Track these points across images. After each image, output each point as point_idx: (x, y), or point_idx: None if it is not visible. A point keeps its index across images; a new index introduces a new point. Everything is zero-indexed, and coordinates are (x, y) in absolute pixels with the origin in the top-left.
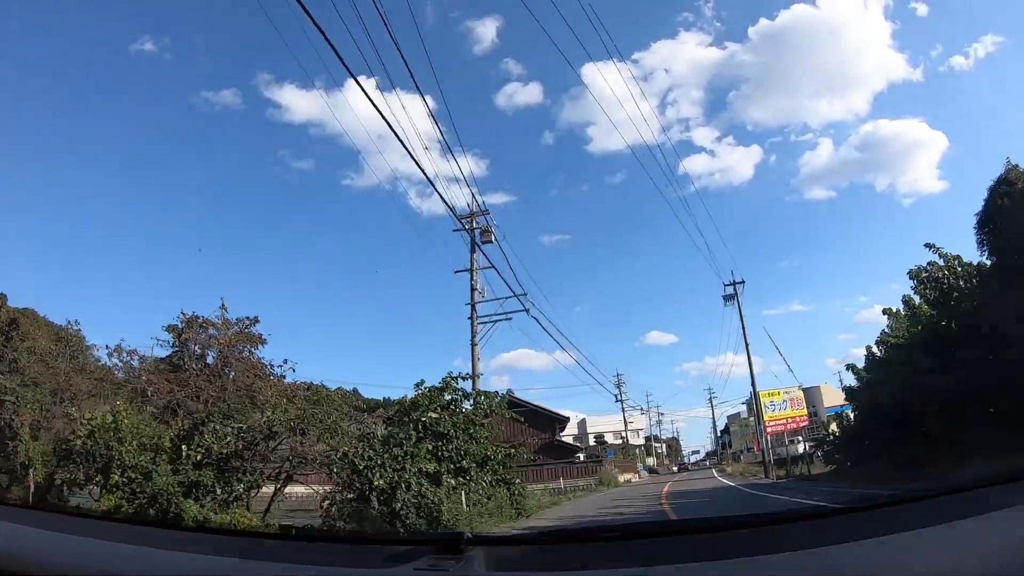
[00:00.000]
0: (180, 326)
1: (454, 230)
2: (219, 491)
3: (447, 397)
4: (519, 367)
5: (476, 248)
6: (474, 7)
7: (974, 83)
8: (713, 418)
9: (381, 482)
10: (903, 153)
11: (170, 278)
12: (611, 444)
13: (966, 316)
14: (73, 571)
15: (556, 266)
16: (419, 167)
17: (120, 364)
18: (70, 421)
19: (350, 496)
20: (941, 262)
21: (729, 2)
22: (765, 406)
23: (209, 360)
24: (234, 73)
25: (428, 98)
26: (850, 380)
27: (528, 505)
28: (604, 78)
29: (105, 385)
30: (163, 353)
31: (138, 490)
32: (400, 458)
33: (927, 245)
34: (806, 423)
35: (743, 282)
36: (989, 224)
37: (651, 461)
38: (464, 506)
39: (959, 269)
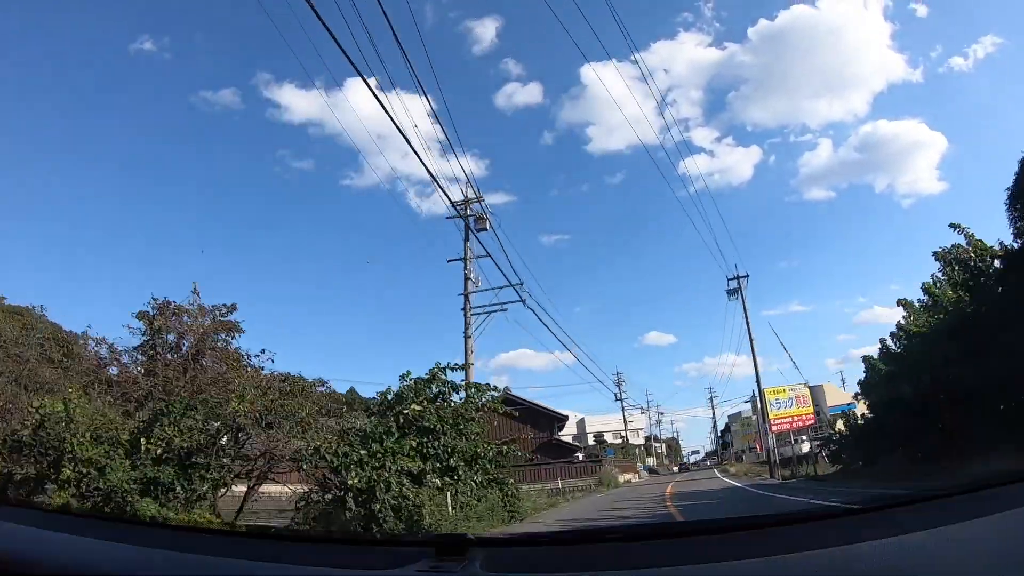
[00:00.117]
0: (151, 312)
1: (447, 217)
2: (179, 489)
3: (435, 389)
4: (518, 367)
5: (470, 235)
6: (473, 7)
7: (974, 84)
8: (714, 418)
9: (356, 481)
10: (902, 154)
11: (171, 277)
12: (611, 444)
13: (997, 299)
14: (72, 571)
15: (556, 266)
16: (407, 141)
17: (92, 353)
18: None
19: (327, 497)
20: (965, 243)
21: (728, 2)
22: (770, 404)
23: (184, 349)
24: (233, 72)
25: (425, 94)
26: (853, 380)
27: (523, 507)
28: (603, 78)
29: (72, 375)
30: (136, 342)
31: (91, 486)
32: (380, 455)
33: (952, 225)
34: (812, 421)
35: (747, 276)
36: (1022, 199)
37: (651, 461)
38: (450, 509)
39: (986, 250)
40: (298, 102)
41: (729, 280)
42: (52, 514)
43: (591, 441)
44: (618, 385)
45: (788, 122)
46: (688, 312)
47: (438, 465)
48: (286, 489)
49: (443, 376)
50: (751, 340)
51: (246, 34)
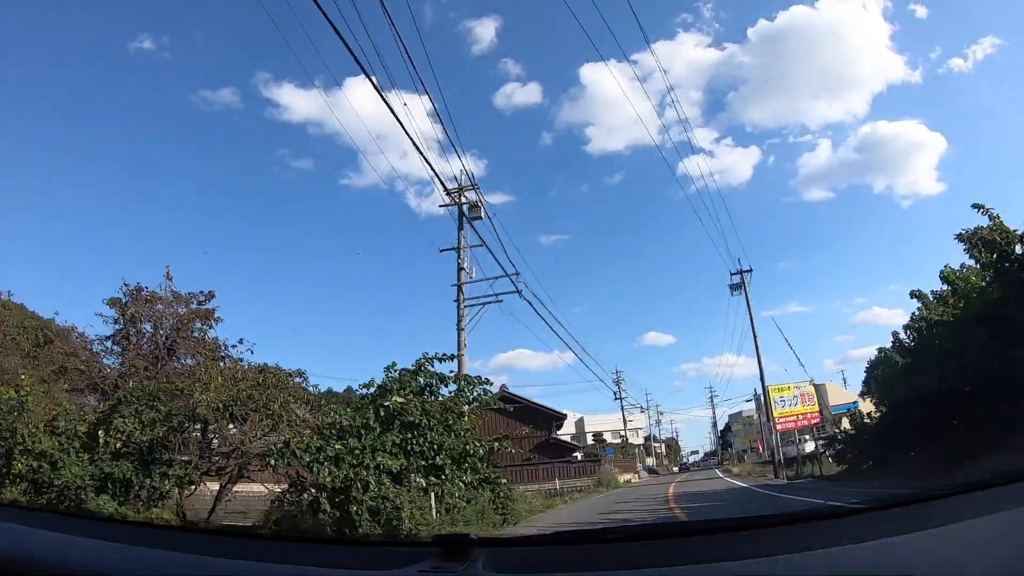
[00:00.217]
0: (124, 299)
1: (441, 206)
2: (136, 485)
3: (421, 381)
4: (516, 367)
5: (463, 224)
6: (472, 7)
7: (973, 85)
8: (714, 417)
9: (329, 480)
10: (901, 155)
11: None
12: (610, 443)
13: (1022, 285)
14: (72, 571)
15: (555, 266)
16: (396, 117)
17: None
18: None
19: (303, 497)
20: (989, 224)
21: (728, 3)
22: (774, 401)
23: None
24: (232, 71)
25: (423, 83)
26: (854, 380)
27: (516, 510)
28: (602, 79)
29: (40, 364)
30: (109, 331)
31: (44, 481)
32: (358, 451)
33: (975, 206)
34: (818, 420)
35: (750, 270)
36: None
37: (650, 461)
38: (433, 512)
39: (1010, 234)
40: (297, 101)
41: (732, 275)
42: (49, 514)
43: (590, 440)
44: (617, 384)
45: (787, 123)
46: (687, 312)
47: (423, 463)
48: (265, 489)
49: (430, 367)
50: (754, 335)
51: (244, 33)
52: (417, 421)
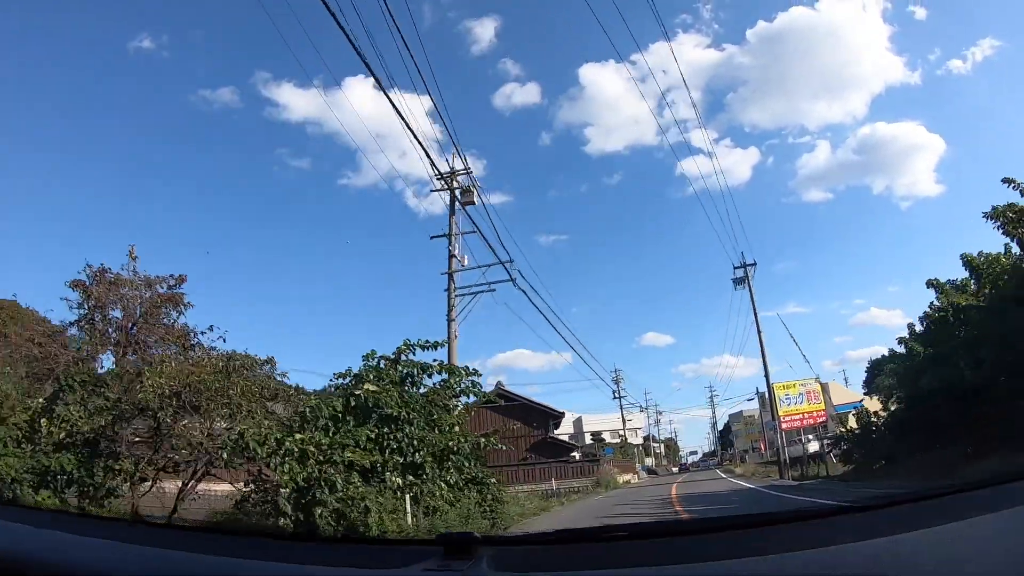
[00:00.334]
0: (88, 282)
1: (431, 190)
2: (79, 480)
3: (402, 371)
4: (515, 367)
5: (455, 209)
6: (471, 7)
7: (972, 87)
8: (714, 417)
9: (287, 478)
10: (900, 156)
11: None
12: (609, 443)
13: None
14: (72, 571)
15: (554, 267)
16: (382, 90)
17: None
18: None
19: (267, 497)
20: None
21: (727, 4)
22: (779, 399)
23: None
24: (231, 71)
25: (415, 72)
26: (855, 380)
27: (507, 513)
28: (602, 79)
29: None
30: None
31: None
32: (325, 446)
33: (1005, 180)
34: (824, 418)
35: (754, 264)
36: None
37: (649, 461)
38: (408, 516)
39: None
40: (296, 100)
41: (736, 268)
42: (49, 513)
43: (588, 440)
44: (616, 382)
45: (786, 124)
46: (686, 313)
47: (398, 460)
48: (232, 488)
49: (412, 356)
50: (759, 329)
51: (244, 33)
52: (395, 414)
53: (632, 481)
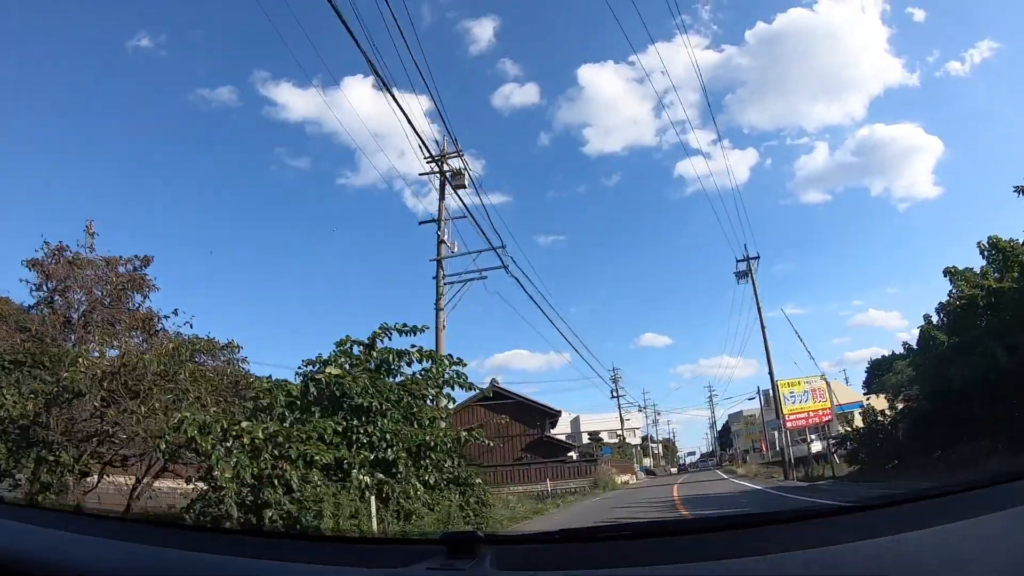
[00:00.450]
0: (46, 261)
1: (420, 174)
2: (3, 469)
3: (377, 358)
4: (513, 367)
5: (445, 192)
6: (470, 7)
7: (971, 89)
8: (712, 417)
9: (229, 475)
10: (899, 158)
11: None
12: (607, 443)
13: None
14: (72, 570)
15: (552, 267)
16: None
17: None
18: None
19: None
20: None
21: (726, 5)
22: (784, 397)
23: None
24: (230, 70)
25: (407, 56)
26: (856, 381)
27: (494, 516)
28: (600, 80)
29: None
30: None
31: None
32: (282, 439)
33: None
34: (830, 417)
35: (758, 257)
36: None
37: (647, 462)
38: (374, 521)
39: None
40: (294, 100)
41: (739, 261)
42: (48, 512)
43: (585, 440)
44: (614, 381)
45: (785, 125)
46: (685, 313)
47: (367, 456)
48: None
49: (388, 341)
50: (762, 324)
51: (240, 31)
52: (366, 404)
53: (630, 482)
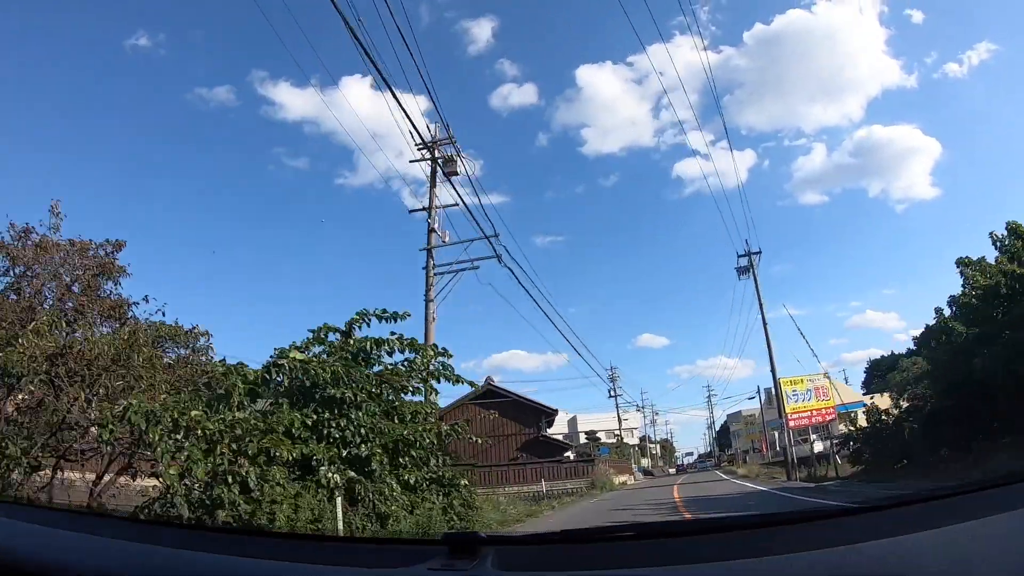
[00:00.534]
0: (11, 243)
1: (411, 161)
2: None
3: (354, 346)
4: (510, 367)
5: (436, 178)
6: (470, 7)
7: (968, 90)
8: (711, 417)
9: (173, 471)
10: (896, 159)
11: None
12: (604, 443)
13: None
14: (71, 569)
15: (551, 267)
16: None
17: None
18: None
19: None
20: None
21: (725, 6)
22: (786, 396)
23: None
24: (228, 69)
25: (403, 48)
26: (855, 381)
27: (482, 520)
28: (599, 80)
29: None
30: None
31: None
32: (241, 432)
33: None
34: (833, 416)
35: (759, 252)
36: None
37: (645, 462)
38: (340, 524)
39: None
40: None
41: (740, 257)
42: (47, 511)
43: (583, 440)
44: (612, 380)
45: (783, 126)
46: (684, 314)
47: (338, 452)
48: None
49: (364, 326)
50: (764, 320)
51: (240, 31)
52: (338, 395)
53: (628, 483)
